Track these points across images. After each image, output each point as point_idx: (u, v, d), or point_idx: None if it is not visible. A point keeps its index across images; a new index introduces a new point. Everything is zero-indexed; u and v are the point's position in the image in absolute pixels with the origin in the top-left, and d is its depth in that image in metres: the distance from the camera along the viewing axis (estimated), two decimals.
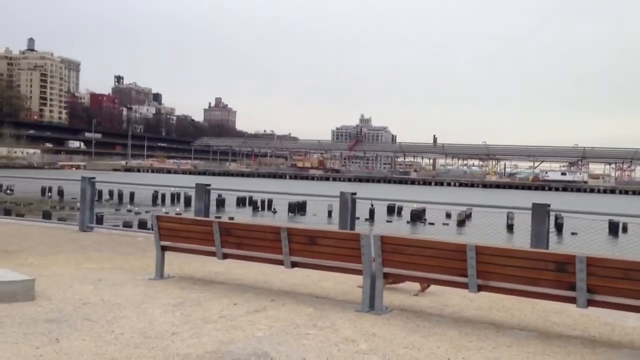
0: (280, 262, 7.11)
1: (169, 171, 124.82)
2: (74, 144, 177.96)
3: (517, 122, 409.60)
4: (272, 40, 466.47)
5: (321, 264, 6.87)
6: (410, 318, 6.10)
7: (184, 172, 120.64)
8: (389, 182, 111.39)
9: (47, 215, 26.04)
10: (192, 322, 5.66)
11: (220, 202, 40.26)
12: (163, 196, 45.31)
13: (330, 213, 37.05)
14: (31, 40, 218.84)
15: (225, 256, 7.65)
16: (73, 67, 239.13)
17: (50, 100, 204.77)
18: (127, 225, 22.75)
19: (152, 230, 8.19)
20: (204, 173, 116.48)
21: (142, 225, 24.83)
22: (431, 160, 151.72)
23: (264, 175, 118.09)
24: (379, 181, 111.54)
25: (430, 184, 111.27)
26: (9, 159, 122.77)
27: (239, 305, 6.43)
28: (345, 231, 8.34)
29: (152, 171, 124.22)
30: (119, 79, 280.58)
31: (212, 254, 7.72)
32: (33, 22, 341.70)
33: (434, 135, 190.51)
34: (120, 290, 6.98)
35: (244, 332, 5.36)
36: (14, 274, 6.58)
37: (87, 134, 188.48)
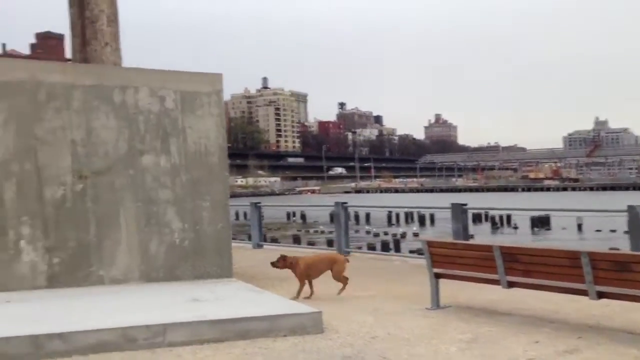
0: (581, 292, 6.11)
1: (396, 190, 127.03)
2: (336, 170, 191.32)
3: None
4: (479, 49, 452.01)
5: (639, 294, 5.71)
6: None
7: (411, 190, 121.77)
8: None
9: (296, 239, 27.73)
10: None
11: None
12: (397, 216, 45.84)
13: (580, 226, 33.78)
14: (265, 79, 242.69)
15: (511, 285, 6.86)
16: (301, 98, 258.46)
17: (285, 131, 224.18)
18: (371, 247, 23.08)
19: (424, 256, 7.75)
20: (431, 190, 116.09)
21: (384, 247, 25.11)
22: None
23: (493, 189, 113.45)
24: (627, 188, 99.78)
25: None
26: (255, 188, 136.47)
27: (542, 344, 5.58)
28: None
29: (381, 191, 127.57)
30: (342, 105, 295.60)
31: (494, 282, 6.99)
32: (265, 62, 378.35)
33: None
34: (401, 322, 6.59)
35: None
36: (300, 305, 6.59)
37: (290, 159, 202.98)
